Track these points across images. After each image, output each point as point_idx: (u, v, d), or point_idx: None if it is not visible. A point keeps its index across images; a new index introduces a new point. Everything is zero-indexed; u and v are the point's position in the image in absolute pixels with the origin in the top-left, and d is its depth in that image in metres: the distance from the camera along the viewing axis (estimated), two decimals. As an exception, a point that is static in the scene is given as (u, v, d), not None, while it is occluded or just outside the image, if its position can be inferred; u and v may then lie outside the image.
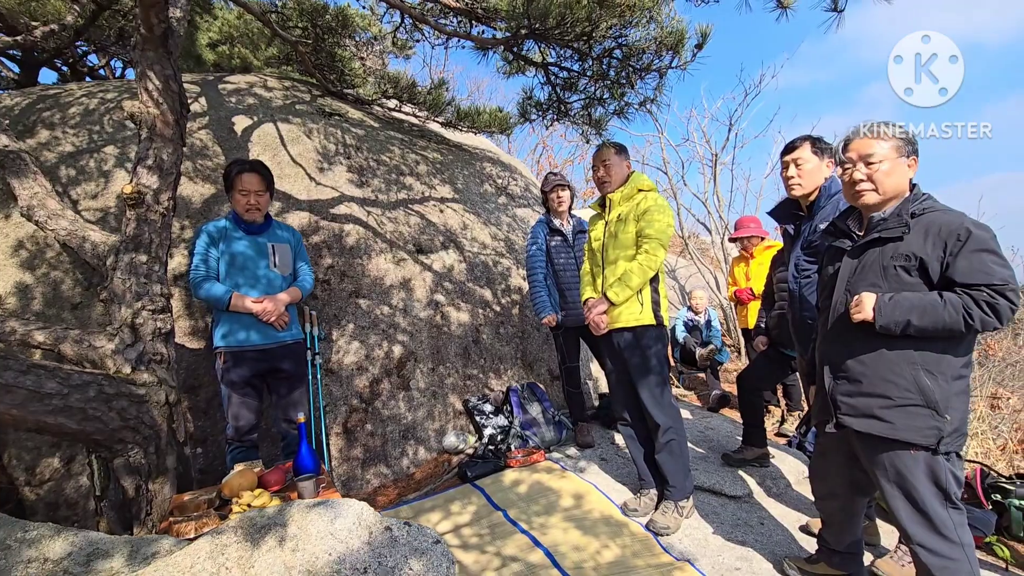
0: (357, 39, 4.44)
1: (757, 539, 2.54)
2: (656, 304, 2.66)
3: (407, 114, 5.12)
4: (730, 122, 6.81)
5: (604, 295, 2.65)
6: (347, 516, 1.25)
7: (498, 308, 4.25)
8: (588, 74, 2.93)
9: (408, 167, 4.43)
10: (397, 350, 3.64)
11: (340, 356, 3.46)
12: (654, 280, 2.66)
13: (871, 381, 1.68)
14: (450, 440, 3.60)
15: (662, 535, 2.54)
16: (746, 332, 4.38)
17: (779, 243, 3.98)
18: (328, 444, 3.24)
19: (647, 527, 2.61)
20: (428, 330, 3.82)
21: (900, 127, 1.72)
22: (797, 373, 4.11)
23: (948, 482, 1.61)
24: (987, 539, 2.60)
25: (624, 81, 2.85)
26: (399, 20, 4.19)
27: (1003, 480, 2.81)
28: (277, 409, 2.87)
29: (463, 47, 3.46)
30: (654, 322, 2.63)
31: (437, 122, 4.91)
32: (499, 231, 4.63)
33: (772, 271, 3.53)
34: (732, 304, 4.98)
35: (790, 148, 2.50)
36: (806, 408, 4.40)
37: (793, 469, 3.29)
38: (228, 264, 2.71)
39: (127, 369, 2.19)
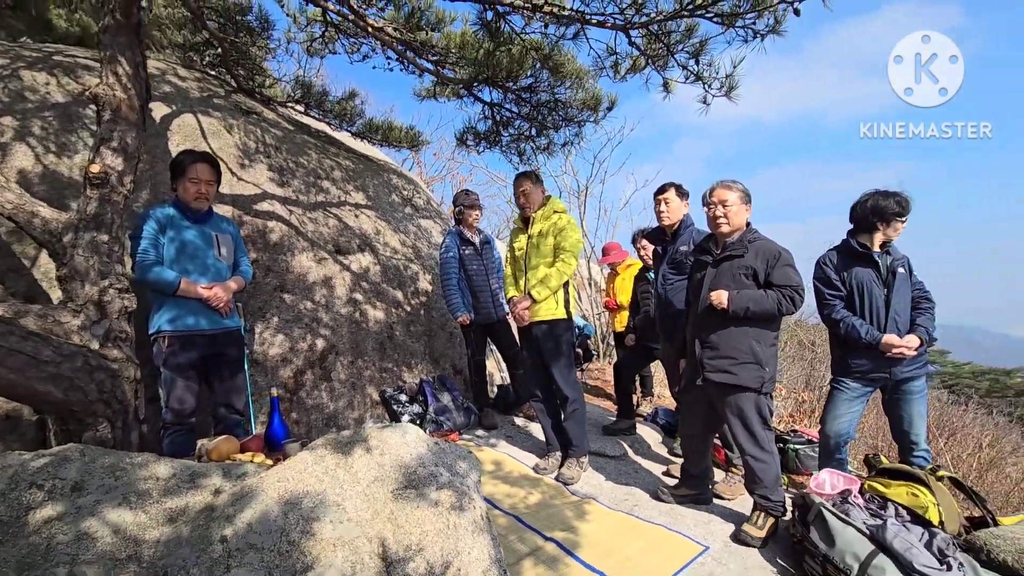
0: (273, 43, 4.54)
1: (636, 481, 3.35)
2: (567, 303, 3.37)
3: (317, 120, 5.27)
4: (593, 159, 8.07)
5: (528, 294, 3.29)
6: (411, 432, 1.67)
7: (409, 308, 4.64)
8: (524, 116, 3.59)
9: (325, 171, 4.63)
10: (320, 343, 3.84)
11: (265, 348, 3.57)
12: (566, 284, 3.37)
13: (724, 348, 2.57)
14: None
15: (569, 484, 3.21)
16: (617, 335, 5.36)
17: (638, 261, 5.01)
18: (254, 431, 3.33)
19: (557, 479, 3.27)
20: (348, 325, 4.08)
21: (741, 184, 2.66)
22: (651, 366, 5.20)
23: (765, 412, 2.55)
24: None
25: (551, 126, 3.57)
26: (322, 31, 4.43)
27: (783, 434, 4.04)
28: (218, 394, 2.94)
29: (406, 72, 3.88)
30: (565, 316, 3.34)
31: (348, 131, 5.16)
32: (407, 238, 5.03)
33: (636, 285, 4.55)
34: (606, 312, 5.95)
35: (662, 190, 3.43)
36: (656, 394, 5.52)
37: (651, 436, 4.24)
38: (178, 251, 2.76)
39: (95, 345, 2.21)
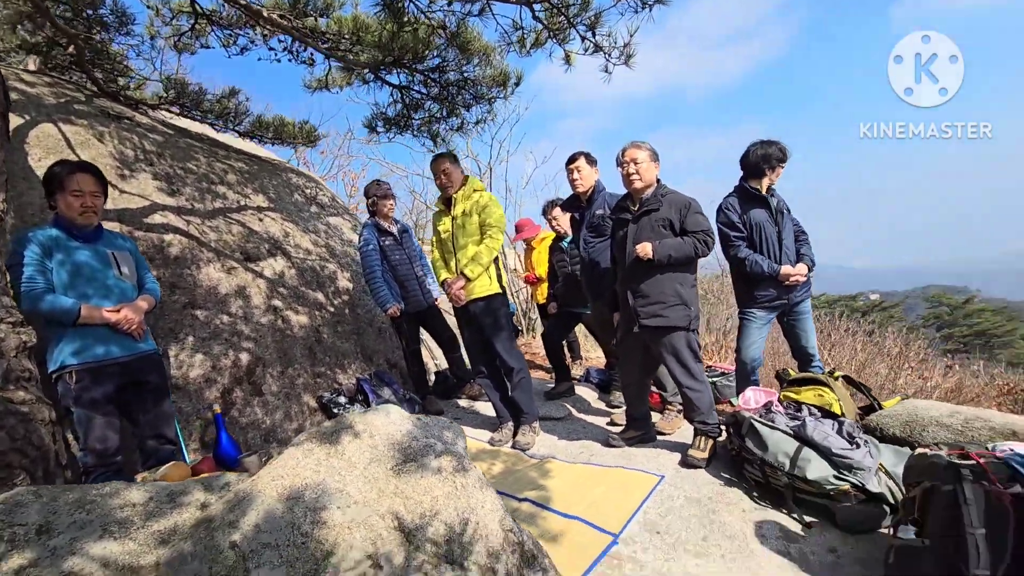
0: (135, 39, 4.08)
1: (586, 435, 3.57)
2: (500, 277, 3.46)
3: (196, 122, 4.83)
4: (492, 140, 8.16)
5: (461, 273, 3.33)
6: (393, 412, 1.68)
7: (332, 309, 4.48)
8: (434, 97, 3.56)
9: (217, 176, 4.28)
10: (244, 357, 3.61)
11: (184, 371, 3.29)
12: (495, 259, 3.46)
13: (654, 295, 2.81)
14: (312, 435, 3.74)
15: (526, 449, 3.35)
16: (540, 306, 5.55)
17: (551, 233, 5.21)
18: (188, 462, 3.08)
19: (514, 447, 3.39)
20: (272, 334, 3.86)
21: (648, 144, 2.89)
22: (575, 331, 5.48)
23: (695, 346, 2.84)
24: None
25: (463, 105, 3.57)
26: (191, 23, 4.07)
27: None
28: (143, 427, 2.68)
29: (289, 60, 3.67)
30: (500, 290, 3.43)
31: (235, 132, 4.80)
32: (319, 238, 4.82)
33: (551, 255, 4.76)
34: (525, 288, 6.12)
35: (572, 159, 3.61)
36: (583, 356, 5.82)
37: (588, 395, 4.50)
38: (71, 275, 2.46)
39: (-6, 390, 1.93)
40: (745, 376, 3.46)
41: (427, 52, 3.02)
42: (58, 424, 2.10)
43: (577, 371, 5.33)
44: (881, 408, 2.97)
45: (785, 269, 3.15)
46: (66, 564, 1.13)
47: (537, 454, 3.29)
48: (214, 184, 4.20)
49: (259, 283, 3.96)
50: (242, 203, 4.32)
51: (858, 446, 2.38)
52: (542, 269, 5.33)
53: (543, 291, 5.25)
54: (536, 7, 2.69)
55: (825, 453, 2.39)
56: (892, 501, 2.27)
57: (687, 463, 2.88)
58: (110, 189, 3.46)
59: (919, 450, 2.10)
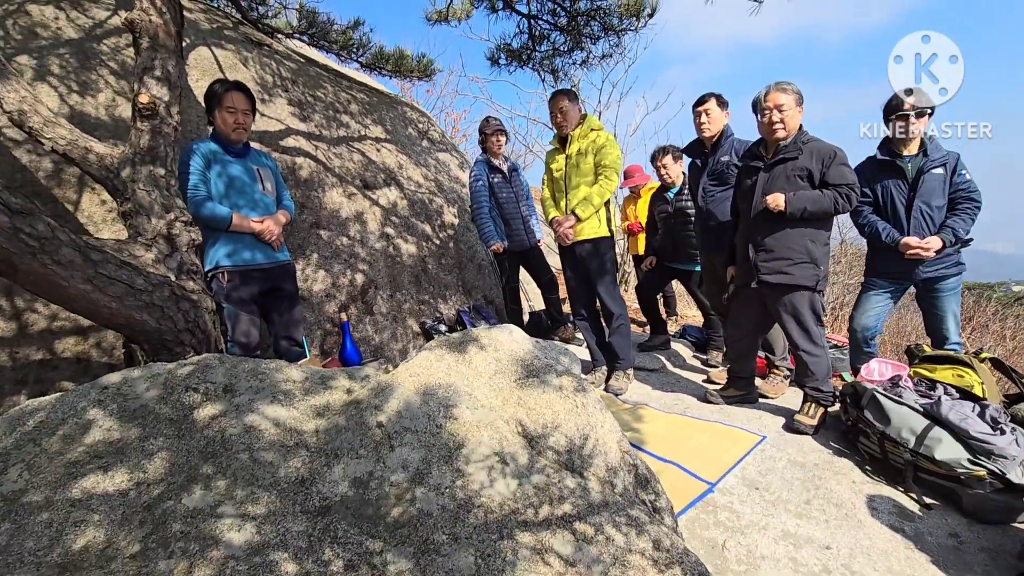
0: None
1: (681, 389, 3.52)
2: (609, 221, 3.40)
3: (321, 53, 5.05)
4: (602, 82, 7.79)
5: (572, 213, 3.30)
6: (516, 332, 1.75)
7: (438, 242, 4.65)
8: (562, 28, 3.46)
9: (342, 105, 4.50)
10: (359, 278, 3.88)
11: (309, 284, 3.60)
12: (607, 202, 3.39)
13: (779, 250, 2.63)
14: (414, 357, 4.00)
15: (619, 394, 3.37)
16: (636, 257, 5.43)
17: (657, 183, 4.99)
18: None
19: (607, 391, 3.42)
20: (384, 260, 4.10)
21: (793, 85, 2.63)
22: (672, 286, 5.32)
23: (819, 308, 2.65)
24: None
25: (590, 37, 3.45)
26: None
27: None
28: (278, 327, 2.99)
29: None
30: (609, 234, 3.37)
31: (358, 63, 4.97)
32: (428, 172, 4.96)
33: (652, 207, 4.56)
34: (625, 236, 5.98)
35: (701, 101, 3.38)
36: (679, 314, 5.67)
37: (684, 352, 4.40)
38: (226, 186, 2.73)
39: (172, 278, 2.23)
40: (856, 345, 3.22)
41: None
42: (216, 314, 2.40)
43: (673, 327, 5.20)
44: (1033, 398, 2.64)
45: (907, 240, 2.82)
46: (247, 419, 1.31)
47: (630, 400, 3.30)
48: (339, 113, 4.42)
49: (375, 210, 4.18)
50: (363, 133, 4.52)
51: (1003, 433, 2.15)
52: (644, 219, 5.17)
53: (641, 242, 5.11)
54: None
55: (962, 435, 2.18)
56: (1036, 496, 2.06)
57: (793, 428, 2.76)
58: (253, 111, 3.77)
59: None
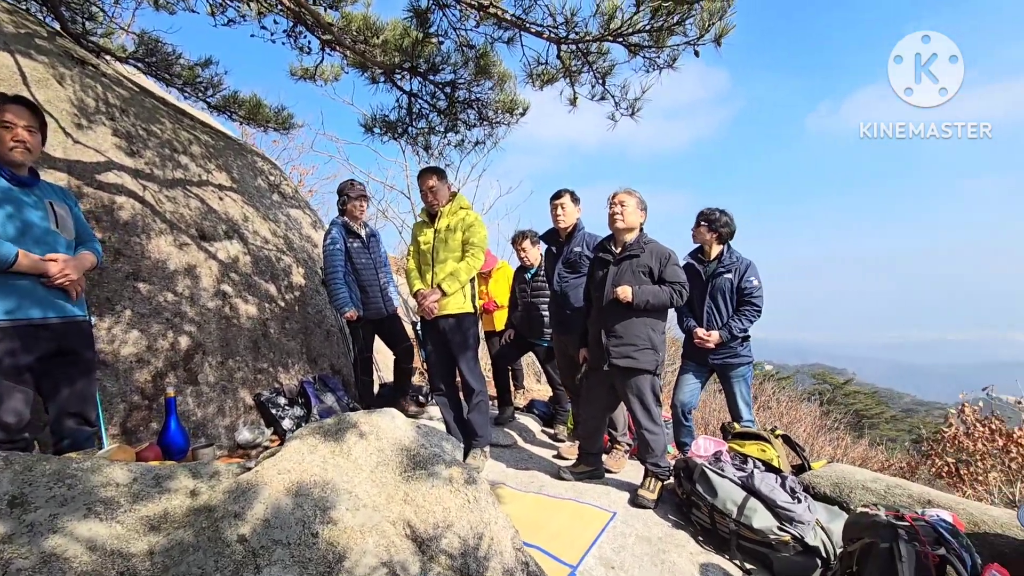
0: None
1: (534, 466, 3.57)
2: (474, 297, 3.46)
3: (164, 85, 4.50)
4: (460, 162, 8.11)
5: (438, 287, 3.29)
6: (398, 418, 1.62)
7: (283, 304, 4.24)
8: (440, 110, 3.55)
9: (181, 145, 4.00)
10: (184, 341, 3.32)
11: (116, 346, 2.98)
12: (472, 279, 3.46)
13: (627, 336, 2.92)
14: (244, 435, 3.47)
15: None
16: (488, 334, 5.54)
17: (504, 263, 5.27)
18: (105, 447, 2.76)
19: (464, 470, 3.32)
20: (217, 321, 3.59)
21: (639, 193, 3.06)
22: (522, 361, 5.52)
23: (657, 391, 2.97)
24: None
25: (466, 124, 3.59)
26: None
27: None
28: (64, 402, 2.36)
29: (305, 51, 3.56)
30: (472, 310, 3.42)
31: (206, 102, 4.51)
32: (278, 228, 4.59)
33: (515, 284, 4.81)
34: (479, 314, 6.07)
35: (558, 195, 3.72)
36: (525, 387, 5.85)
37: (533, 426, 4.53)
38: (5, 219, 2.18)
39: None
40: (677, 419, 3.70)
41: (444, 66, 3.06)
42: None
43: (520, 401, 5.34)
44: (811, 468, 3.22)
45: (697, 331, 3.48)
46: (47, 543, 0.98)
47: (488, 479, 3.24)
48: (177, 152, 3.92)
49: (211, 264, 3.69)
50: (204, 178, 4.05)
51: (800, 501, 2.57)
52: (503, 297, 5.36)
53: (500, 318, 5.27)
54: (563, 47, 2.82)
55: (770, 505, 2.55)
56: (824, 555, 2.46)
57: (637, 503, 2.96)
58: (63, 137, 3.16)
59: (860, 509, 2.30)
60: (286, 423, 3.67)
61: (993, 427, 5.31)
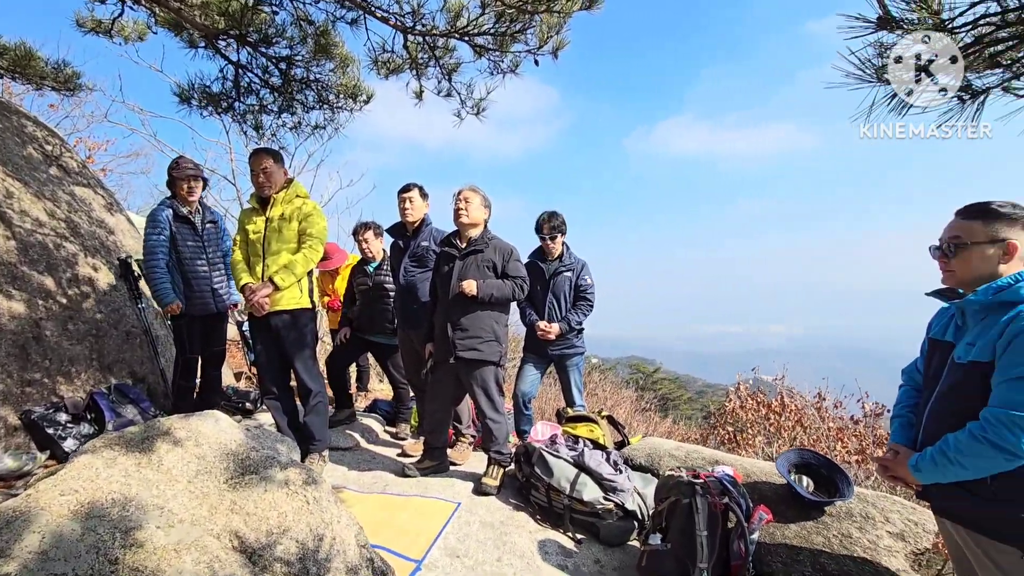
0: None
1: (377, 466, 3.47)
2: (311, 291, 3.24)
3: None
4: (295, 149, 7.45)
5: (270, 280, 3.02)
6: (222, 420, 1.43)
7: (64, 301, 3.50)
8: (273, 87, 3.16)
9: (-95, 94, 3.06)
10: (-92, 349, 2.56)
11: None
12: (309, 272, 3.23)
13: (472, 329, 3.00)
14: (4, 463, 2.79)
15: (314, 479, 3.09)
16: (333, 333, 5.21)
17: (356, 257, 5.05)
18: None
19: (300, 477, 3.09)
20: (-37, 323, 2.83)
21: (483, 192, 3.16)
22: (368, 359, 5.32)
23: (500, 381, 3.10)
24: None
25: (303, 105, 3.26)
26: None
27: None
28: None
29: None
30: (310, 305, 3.21)
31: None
32: (58, 209, 3.77)
33: (352, 279, 4.62)
34: (325, 311, 5.65)
35: (406, 189, 3.67)
36: (368, 388, 5.65)
37: (376, 426, 4.39)
38: None
39: None
40: (518, 408, 3.93)
41: (279, 39, 2.77)
42: None
43: (363, 402, 5.14)
44: (629, 443, 3.65)
45: (539, 323, 3.74)
46: None
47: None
48: (-103, 103, 3.00)
49: (-46, 250, 2.90)
50: (-58, 139, 3.16)
51: (621, 472, 2.89)
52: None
53: (337, 317, 5.00)
54: (409, 38, 2.77)
55: (597, 478, 2.83)
56: (641, 517, 2.81)
57: (480, 491, 3.06)
58: None
59: (667, 472, 2.67)
60: (68, 444, 3.04)
61: (759, 400, 6.62)
